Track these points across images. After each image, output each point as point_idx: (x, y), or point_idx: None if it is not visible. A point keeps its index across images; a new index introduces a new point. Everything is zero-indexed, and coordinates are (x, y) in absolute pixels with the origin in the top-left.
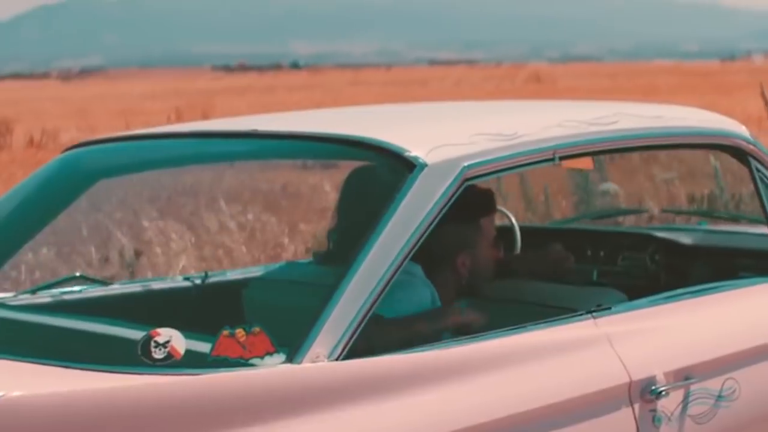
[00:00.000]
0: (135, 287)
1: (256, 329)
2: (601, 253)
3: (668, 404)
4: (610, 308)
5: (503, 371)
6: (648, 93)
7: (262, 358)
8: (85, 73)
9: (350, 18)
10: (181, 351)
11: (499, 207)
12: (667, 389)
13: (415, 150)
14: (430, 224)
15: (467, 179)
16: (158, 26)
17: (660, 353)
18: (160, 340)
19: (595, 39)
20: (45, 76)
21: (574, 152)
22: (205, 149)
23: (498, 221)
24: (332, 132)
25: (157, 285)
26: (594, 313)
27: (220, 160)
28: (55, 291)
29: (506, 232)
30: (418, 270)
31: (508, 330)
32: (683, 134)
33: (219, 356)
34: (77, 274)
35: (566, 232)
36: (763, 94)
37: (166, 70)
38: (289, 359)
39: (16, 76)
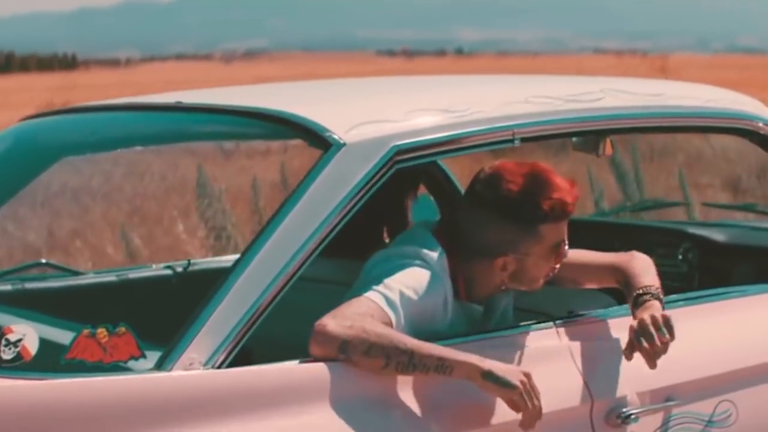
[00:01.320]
0: (109, 277)
1: (122, 329)
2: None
3: (640, 430)
4: (581, 315)
5: (435, 387)
6: None
7: (125, 362)
8: (249, 55)
9: (518, 6)
10: (33, 351)
11: None
12: (639, 413)
13: (333, 127)
14: (348, 212)
15: (398, 161)
16: (325, 10)
17: (635, 370)
18: (12, 338)
19: (761, 31)
20: (208, 57)
21: (541, 133)
22: (125, 123)
23: None
24: (251, 106)
25: (134, 274)
26: (557, 321)
27: (140, 136)
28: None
29: None
30: (437, 259)
31: (450, 338)
32: (686, 115)
33: (74, 359)
34: (42, 260)
35: (593, 224)
36: None
37: (330, 53)
38: (158, 365)
39: (180, 57)
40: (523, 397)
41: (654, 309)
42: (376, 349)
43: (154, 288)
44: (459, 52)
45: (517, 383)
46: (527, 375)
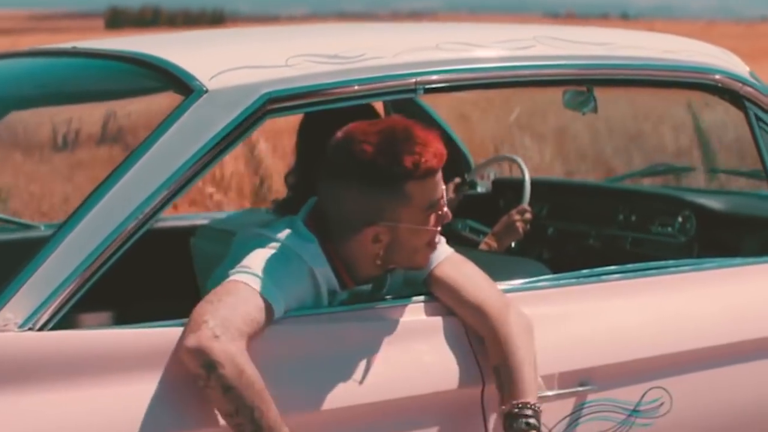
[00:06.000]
0: None
1: None
2: (633, 218)
3: (543, 417)
4: None
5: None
6: None
7: None
8: (414, 15)
9: None
10: None
11: (508, 154)
12: (542, 398)
13: (197, 72)
14: (207, 164)
15: (270, 111)
16: None
17: (540, 351)
18: None
19: None
20: (373, 16)
21: (451, 83)
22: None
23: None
24: (119, 49)
25: None
26: None
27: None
28: None
29: (516, 184)
30: (306, 249)
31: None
32: (635, 67)
33: None
34: None
35: (591, 189)
36: None
37: (495, 15)
38: None
39: (342, 14)
40: None
41: None
42: (232, 398)
43: None
44: (624, 16)
45: None
46: None
